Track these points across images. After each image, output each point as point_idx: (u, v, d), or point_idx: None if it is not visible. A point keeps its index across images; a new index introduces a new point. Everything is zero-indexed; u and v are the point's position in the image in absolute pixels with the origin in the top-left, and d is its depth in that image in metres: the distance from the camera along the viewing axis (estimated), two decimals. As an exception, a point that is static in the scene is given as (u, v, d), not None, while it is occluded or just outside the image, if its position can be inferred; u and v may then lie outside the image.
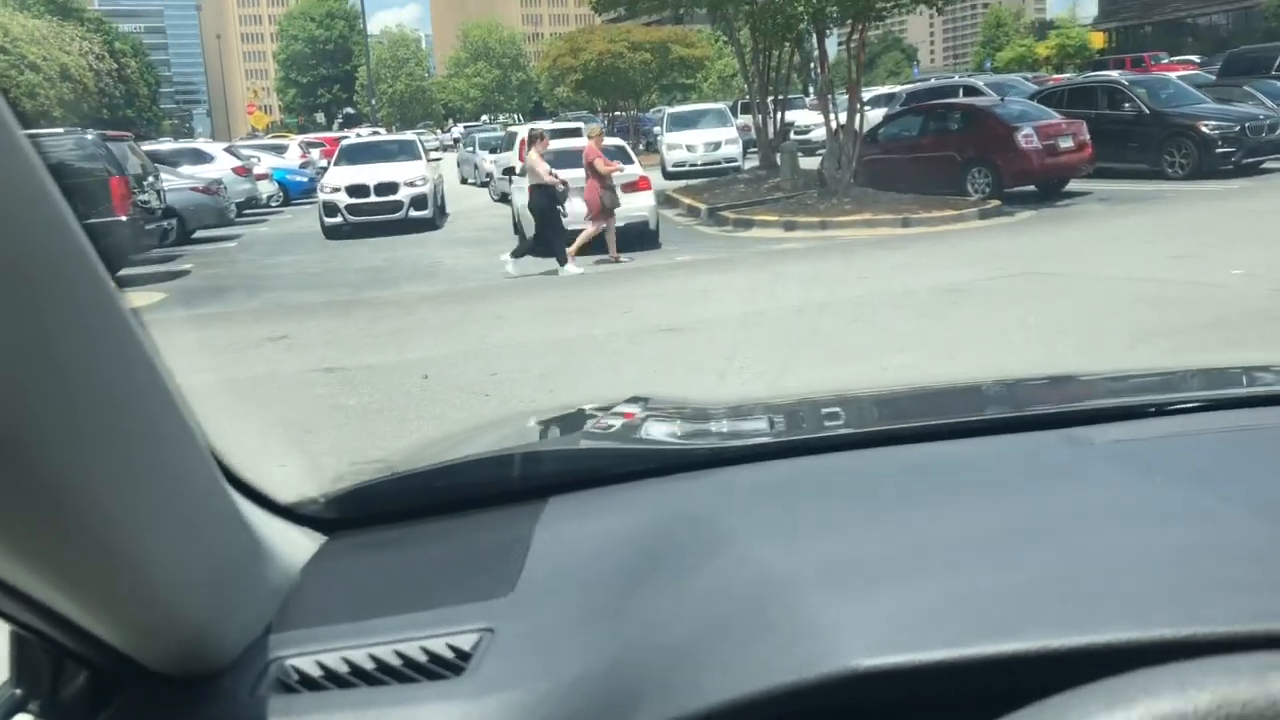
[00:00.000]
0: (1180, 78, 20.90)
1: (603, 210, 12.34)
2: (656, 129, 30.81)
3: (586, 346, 7.97)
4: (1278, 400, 1.36)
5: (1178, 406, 1.33)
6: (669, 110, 30.77)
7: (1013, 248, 11.63)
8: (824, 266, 11.38)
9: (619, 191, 12.60)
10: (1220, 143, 16.43)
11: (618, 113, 42.82)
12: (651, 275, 11.62)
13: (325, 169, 21.15)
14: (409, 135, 24.62)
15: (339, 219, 17.38)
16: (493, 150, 25.66)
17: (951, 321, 8.02)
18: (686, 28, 43.39)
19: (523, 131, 22.69)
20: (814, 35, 17.81)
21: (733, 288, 10.33)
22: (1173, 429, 1.23)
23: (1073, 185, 16.17)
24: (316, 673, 0.86)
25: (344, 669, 0.86)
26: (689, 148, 25.37)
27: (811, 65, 30.12)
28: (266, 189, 24.62)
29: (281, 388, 7.20)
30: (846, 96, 16.80)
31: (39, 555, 0.64)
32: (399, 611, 0.93)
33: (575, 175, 12.46)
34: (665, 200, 17.53)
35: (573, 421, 1.70)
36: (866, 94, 19.34)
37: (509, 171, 18.85)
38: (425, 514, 1.18)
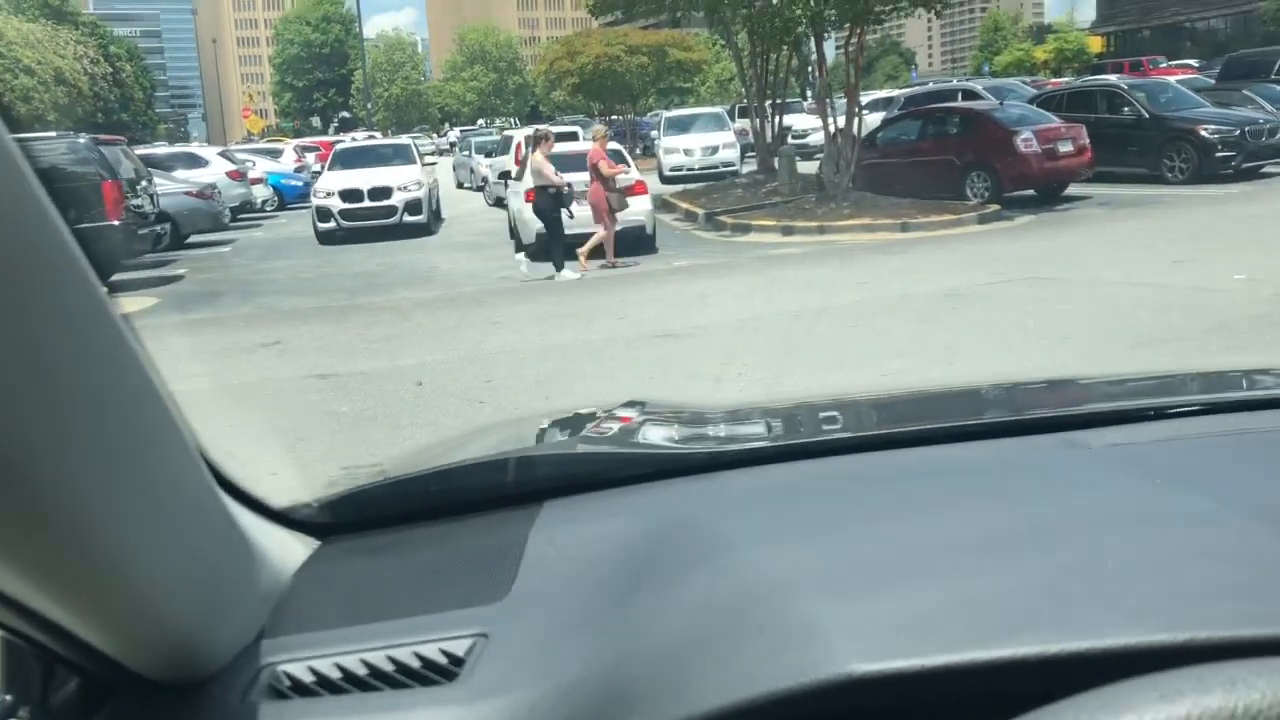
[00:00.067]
0: (1179, 82, 20.87)
1: (610, 212, 12.28)
2: (653, 133, 30.74)
3: (583, 352, 7.89)
4: (1276, 404, 1.35)
5: (1176, 410, 1.32)
6: (666, 114, 30.71)
7: (1012, 252, 11.56)
8: (822, 271, 11.31)
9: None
10: (1220, 147, 16.38)
11: (614, 116, 42.76)
12: (648, 280, 11.53)
13: (320, 173, 21.03)
14: (404, 139, 24.52)
15: (332, 224, 17.24)
16: (488, 154, 25.57)
17: (951, 327, 7.95)
18: (684, 31, 43.37)
19: (519, 135, 22.67)
20: (812, 39, 17.74)
21: (730, 293, 10.25)
22: (1171, 432, 1.23)
23: (1072, 190, 16.10)
24: (309, 678, 0.85)
25: (336, 675, 0.85)
26: (686, 152, 25.29)
27: (809, 69, 30.08)
28: (261, 193, 24.55)
29: (274, 394, 7.11)
30: (844, 100, 16.72)
31: (29, 561, 0.64)
32: (392, 616, 0.92)
33: (573, 178, 12.39)
34: (662, 205, 17.47)
35: (568, 425, 1.69)
36: (864, 98, 19.27)
37: (505, 176, 18.81)
38: (419, 519, 1.17)
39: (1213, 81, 23.28)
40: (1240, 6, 56.02)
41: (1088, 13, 75.17)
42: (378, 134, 48.76)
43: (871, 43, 20.97)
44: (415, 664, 0.85)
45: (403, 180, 17.68)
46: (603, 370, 7.23)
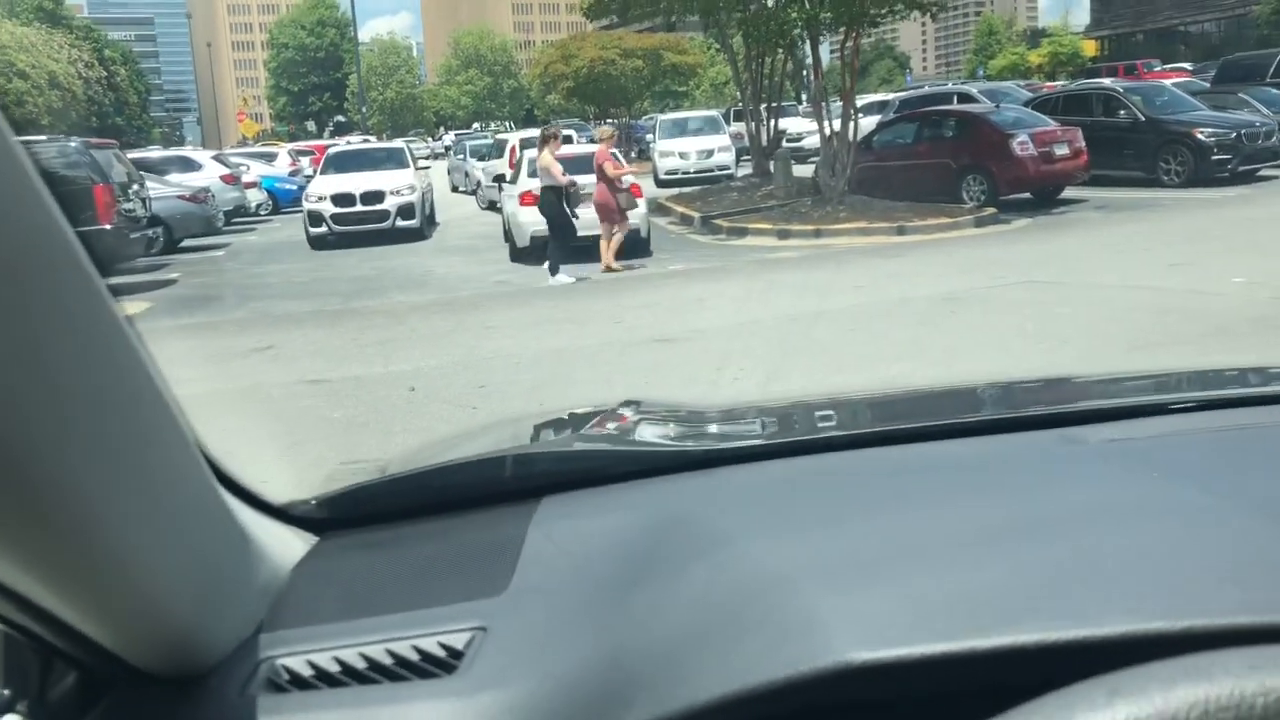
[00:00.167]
0: (1174, 85, 20.86)
1: (620, 213, 12.25)
2: (649, 136, 30.69)
3: (578, 358, 7.83)
4: (1271, 400, 1.36)
5: (1172, 406, 1.33)
6: (661, 118, 30.65)
7: (1009, 256, 11.52)
8: (818, 275, 11.25)
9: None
10: (1216, 150, 16.36)
11: (609, 120, 42.70)
12: (644, 284, 11.47)
13: (313, 177, 20.93)
14: (397, 143, 24.43)
15: (324, 229, 17.08)
16: (481, 158, 25.49)
17: (949, 330, 7.90)
18: (679, 35, 43.35)
19: (513, 139, 22.63)
20: (807, 42, 17.70)
21: (726, 297, 10.19)
22: (1167, 428, 1.23)
23: (1068, 193, 16.08)
24: (307, 672, 0.84)
25: (335, 668, 0.84)
26: (681, 155, 25.24)
27: (804, 72, 30.05)
28: (255, 197, 24.49)
29: (265, 400, 7.03)
30: (840, 103, 16.67)
31: (30, 555, 0.64)
32: (391, 610, 0.92)
33: (578, 179, 12.37)
34: (658, 208, 17.42)
35: (566, 424, 1.70)
36: (859, 101, 19.22)
37: (499, 179, 18.73)
38: (418, 515, 1.17)
39: (1207, 85, 23.27)
40: (1233, 10, 56.20)
41: (1081, 17, 75.46)
42: (372, 138, 48.67)
43: (866, 47, 20.96)
44: (414, 657, 0.85)
45: (395, 184, 17.52)
46: (598, 375, 7.17)
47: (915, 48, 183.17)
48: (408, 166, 18.83)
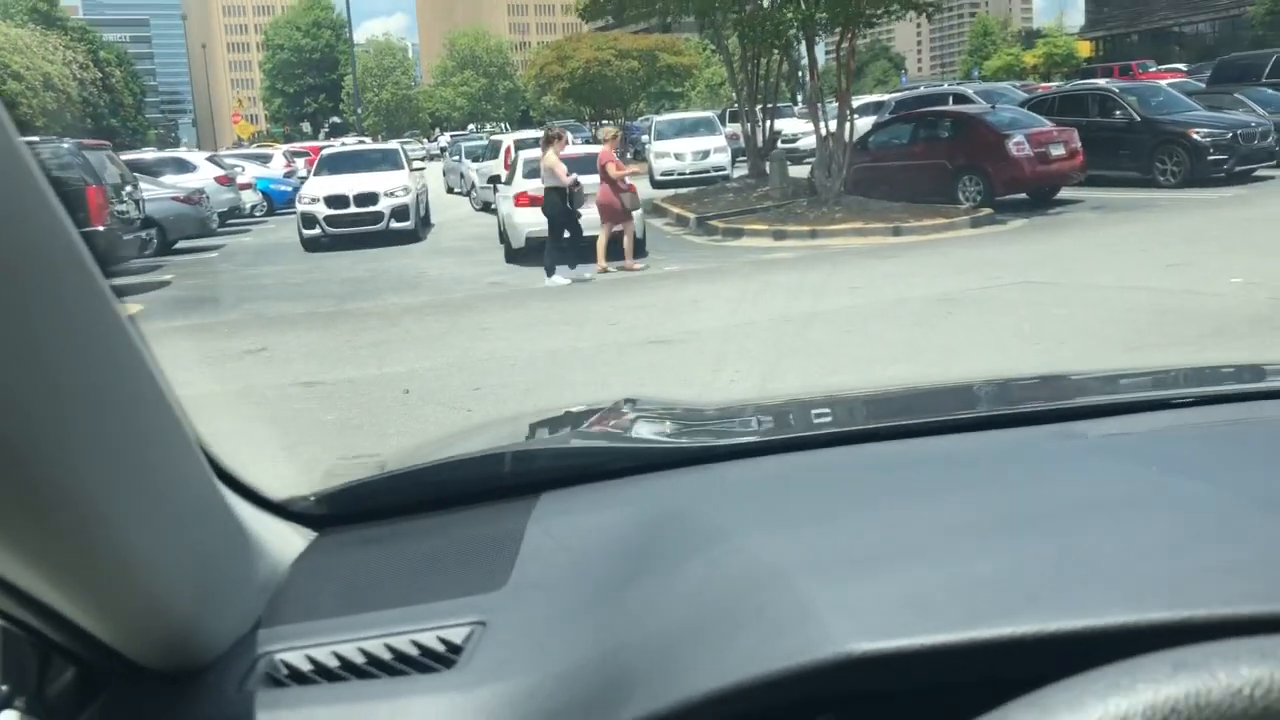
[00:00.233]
0: (1170, 85, 20.85)
1: (624, 213, 12.23)
2: (644, 137, 30.64)
3: (573, 359, 7.79)
4: (1267, 395, 1.38)
5: (1170, 402, 1.34)
6: (657, 119, 30.62)
7: (1005, 256, 11.49)
8: (815, 276, 11.21)
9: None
10: (1212, 150, 16.34)
11: (605, 121, 42.66)
12: (639, 285, 11.42)
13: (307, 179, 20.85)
14: (392, 144, 24.34)
15: (318, 230, 16.96)
16: (476, 159, 25.42)
17: (946, 331, 7.87)
18: (674, 36, 43.33)
19: (508, 140, 22.56)
20: (803, 42, 17.67)
21: (722, 298, 10.14)
22: (1165, 423, 1.23)
23: (1064, 193, 16.06)
24: (306, 667, 0.84)
25: (334, 663, 0.84)
26: (677, 156, 25.19)
27: (800, 73, 29.96)
28: (250, 199, 24.42)
29: (257, 402, 6.97)
30: (835, 104, 16.65)
31: (29, 550, 0.64)
32: (390, 605, 0.92)
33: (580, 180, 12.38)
34: (653, 209, 17.37)
35: (563, 421, 1.70)
36: (855, 102, 19.21)
37: (494, 180, 18.66)
38: (417, 511, 1.17)
39: (1202, 85, 23.26)
40: (1228, 11, 56.27)
41: (1076, 18, 75.50)
42: (368, 139, 48.59)
43: (861, 48, 20.95)
44: (413, 652, 0.85)
45: (389, 186, 17.39)
46: (594, 377, 7.12)
47: (910, 49, 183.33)
48: (402, 168, 18.66)
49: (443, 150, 44.57)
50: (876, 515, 0.97)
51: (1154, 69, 39.48)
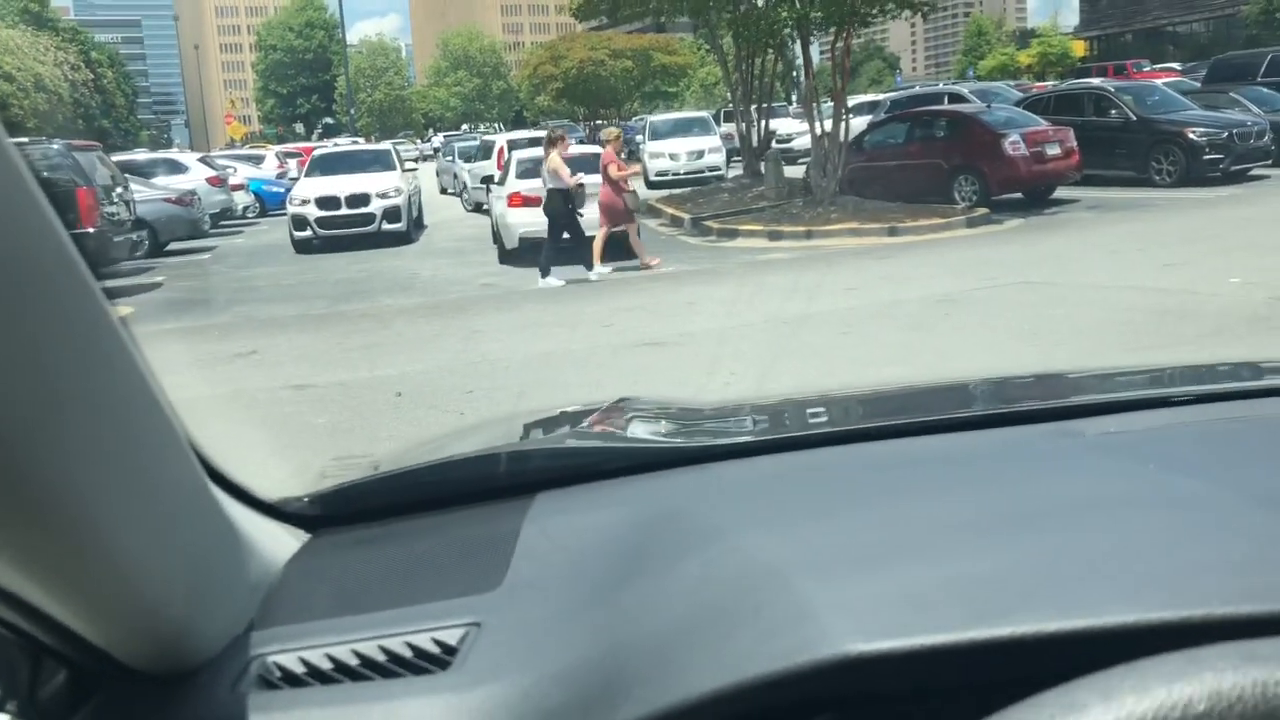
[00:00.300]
0: (1165, 84, 20.82)
1: (627, 214, 12.19)
2: (639, 137, 30.57)
3: (566, 362, 7.70)
4: (1265, 393, 1.38)
5: (1168, 400, 1.34)
6: (651, 119, 30.55)
7: (1002, 256, 11.43)
8: (810, 277, 11.13)
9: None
10: (1208, 149, 16.30)
11: (599, 121, 42.59)
12: (633, 287, 11.35)
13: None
14: (384, 145, 24.21)
15: (309, 232, 16.77)
16: (468, 159, 25.31)
17: (943, 333, 7.81)
18: (668, 35, 43.28)
19: (501, 140, 22.47)
20: (797, 42, 17.60)
21: (717, 299, 10.06)
22: (1163, 421, 1.23)
23: (1060, 193, 16.02)
24: (299, 669, 0.83)
25: (328, 665, 0.83)
26: (672, 156, 25.13)
27: (794, 73, 29.91)
28: (242, 200, 24.34)
29: (247, 406, 6.88)
30: (830, 104, 16.59)
31: (19, 551, 0.63)
32: (384, 607, 0.91)
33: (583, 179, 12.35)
34: (648, 210, 17.29)
35: (559, 422, 1.69)
36: (850, 102, 19.12)
37: (487, 180, 18.59)
38: (411, 511, 1.17)
39: (1198, 84, 23.23)
40: (1222, 10, 56.35)
41: (1070, 17, 75.62)
42: (361, 140, 48.43)
43: (855, 47, 20.89)
44: (407, 653, 0.84)
45: (381, 187, 17.20)
46: (587, 380, 7.05)
47: (904, 49, 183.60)
48: (394, 169, 18.51)
49: (436, 151, 44.50)
50: (873, 514, 0.96)
51: (1148, 68, 39.47)
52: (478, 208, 21.55)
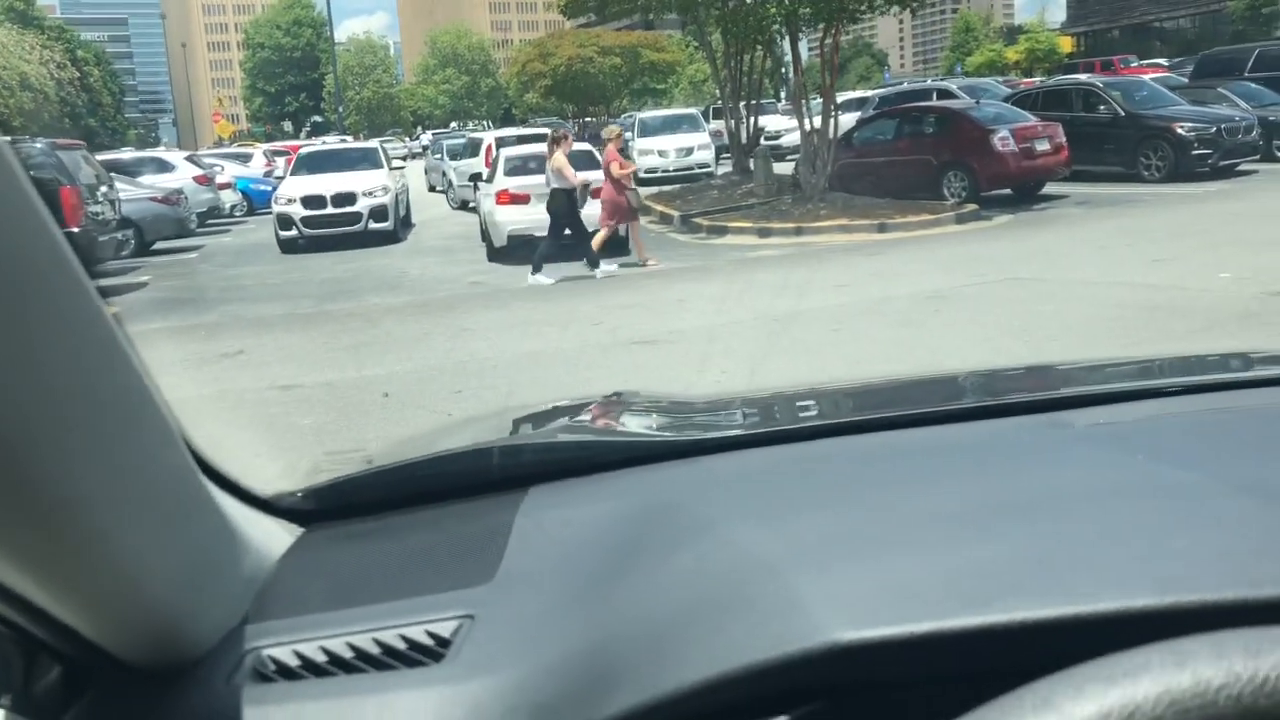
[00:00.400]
0: (1153, 80, 20.84)
1: (630, 211, 12.16)
2: (628, 134, 30.53)
3: (556, 361, 7.65)
4: (1254, 384, 1.39)
5: (1157, 391, 1.34)
6: (640, 116, 30.48)
7: (992, 252, 11.42)
8: (800, 274, 11.11)
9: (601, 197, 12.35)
10: (1196, 145, 16.32)
11: (588, 118, 42.51)
12: (624, 285, 11.30)
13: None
14: (371, 143, 24.07)
15: (294, 232, 16.59)
16: (454, 157, 25.21)
17: (934, 329, 7.78)
18: (657, 32, 43.22)
19: (489, 138, 22.39)
20: (786, 38, 17.56)
21: (707, 297, 10.03)
22: (1152, 412, 1.24)
23: (1049, 188, 16.01)
24: (294, 662, 0.84)
25: (322, 658, 0.84)
26: (661, 154, 25.07)
27: (783, 70, 29.86)
28: (229, 198, 24.21)
29: (232, 407, 6.82)
30: (819, 100, 16.55)
31: (14, 546, 0.64)
32: (378, 600, 0.92)
33: (541, 181, 12.32)
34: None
35: (552, 416, 1.69)
36: (839, 98, 19.12)
37: (475, 178, 18.50)
38: (405, 506, 1.17)
39: (1184, 80, 23.28)
40: (1208, 6, 56.52)
41: (1058, 13, 75.73)
42: (349, 138, 48.27)
43: (844, 44, 20.75)
44: (401, 646, 0.84)
45: (368, 186, 17.03)
46: (578, 379, 7.00)
47: (893, 45, 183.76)
48: (381, 167, 18.36)
49: (425, 149, 44.33)
50: (864, 506, 0.96)
51: (1136, 64, 39.58)
52: (463, 205, 21.46)
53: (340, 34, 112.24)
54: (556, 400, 1.74)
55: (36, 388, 0.59)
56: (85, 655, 0.78)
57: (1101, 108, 17.44)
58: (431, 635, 0.85)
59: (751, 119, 20.73)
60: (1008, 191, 15.55)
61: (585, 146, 15.31)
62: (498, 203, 13.54)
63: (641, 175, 24.44)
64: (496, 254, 13.67)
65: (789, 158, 21.62)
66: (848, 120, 19.88)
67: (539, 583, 0.91)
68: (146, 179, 19.26)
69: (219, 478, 0.96)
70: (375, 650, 0.84)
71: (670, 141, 25.41)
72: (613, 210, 12.03)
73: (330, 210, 16.65)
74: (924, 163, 15.81)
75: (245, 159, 29.26)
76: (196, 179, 21.30)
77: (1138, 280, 8.93)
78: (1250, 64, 21.67)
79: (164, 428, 0.77)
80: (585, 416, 1.61)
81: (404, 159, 38.71)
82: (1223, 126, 16.63)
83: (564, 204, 11.86)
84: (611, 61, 40.04)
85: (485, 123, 72.31)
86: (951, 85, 26.53)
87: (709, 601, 0.78)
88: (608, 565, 0.90)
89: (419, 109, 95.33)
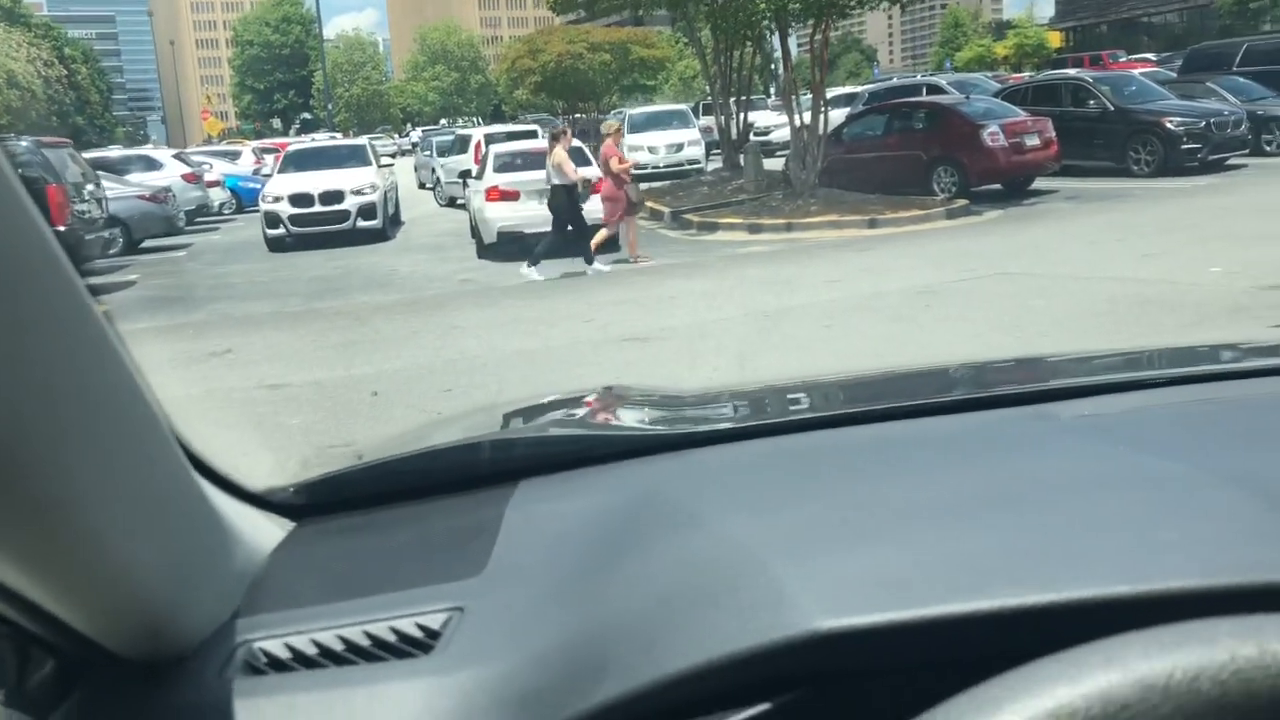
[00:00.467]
0: (1142, 75, 20.88)
1: (630, 205, 12.12)
2: (617, 131, 30.49)
3: (547, 358, 7.62)
4: (1238, 375, 1.39)
5: (1143, 383, 1.35)
6: (630, 112, 30.44)
7: (982, 248, 11.41)
8: (791, 270, 11.09)
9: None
10: (1186, 139, 16.34)
11: (578, 115, 42.43)
12: (614, 281, 11.27)
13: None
14: (360, 140, 23.95)
15: (281, 230, 16.45)
16: (442, 154, 25.13)
17: (925, 325, 7.77)
18: (646, 29, 43.14)
19: (477, 134, 22.33)
20: (775, 34, 17.54)
21: (698, 293, 10.00)
22: (1138, 403, 1.24)
23: (1039, 183, 16.03)
24: (285, 655, 0.84)
25: (312, 650, 0.84)
26: (651, 150, 25.02)
27: (773, 65, 29.83)
28: (218, 196, 24.09)
29: (219, 407, 6.76)
30: (809, 96, 16.52)
31: (10, 541, 0.64)
32: (368, 593, 0.92)
33: (531, 177, 12.33)
34: (626, 203, 17.19)
35: (542, 410, 1.70)
36: (828, 94, 19.08)
37: (464, 175, 18.45)
38: (395, 500, 1.18)
39: (1173, 74, 23.31)
40: (1196, 1, 56.60)
41: (1046, 9, 75.84)
42: (339, 135, 48.09)
43: (833, 40, 20.72)
44: (391, 638, 0.85)
45: (356, 183, 16.89)
46: (568, 376, 6.96)
47: (882, 41, 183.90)
48: (370, 164, 18.20)
49: (414, 146, 44.21)
50: (850, 497, 0.97)
51: (1124, 59, 39.62)
52: (451, 202, 21.40)
53: (329, 31, 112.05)
54: (548, 394, 1.73)
55: (29, 386, 0.59)
56: (78, 649, 0.79)
57: (1091, 102, 17.46)
58: (421, 627, 0.86)
59: (741, 115, 20.71)
60: (998, 186, 15.57)
61: (576, 143, 15.27)
62: (487, 199, 13.49)
63: (632, 172, 24.49)
64: (486, 251, 13.63)
65: (779, 154, 21.62)
66: (837, 116, 19.86)
67: (527, 575, 0.92)
68: (134, 177, 19.17)
69: (211, 473, 0.96)
70: (365, 642, 0.85)
71: (660, 138, 25.38)
72: (613, 205, 11.98)
73: (318, 208, 16.53)
74: (914, 158, 15.81)
75: (234, 156, 29.14)
76: (185, 177, 21.21)
77: (1128, 275, 8.92)
78: (1239, 58, 21.70)
79: (155, 424, 0.77)
80: (576, 410, 1.61)
81: (393, 156, 38.58)
82: (1212, 121, 16.65)
83: (564, 200, 11.81)
84: (601, 58, 39.92)
85: (475, 119, 72.17)
86: (941, 81, 26.55)
87: (695, 592, 0.79)
88: (596, 557, 0.91)
89: (409, 106, 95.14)
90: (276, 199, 16.65)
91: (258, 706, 0.79)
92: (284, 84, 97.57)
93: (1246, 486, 0.86)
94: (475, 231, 14.34)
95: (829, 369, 6.53)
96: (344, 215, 16.62)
